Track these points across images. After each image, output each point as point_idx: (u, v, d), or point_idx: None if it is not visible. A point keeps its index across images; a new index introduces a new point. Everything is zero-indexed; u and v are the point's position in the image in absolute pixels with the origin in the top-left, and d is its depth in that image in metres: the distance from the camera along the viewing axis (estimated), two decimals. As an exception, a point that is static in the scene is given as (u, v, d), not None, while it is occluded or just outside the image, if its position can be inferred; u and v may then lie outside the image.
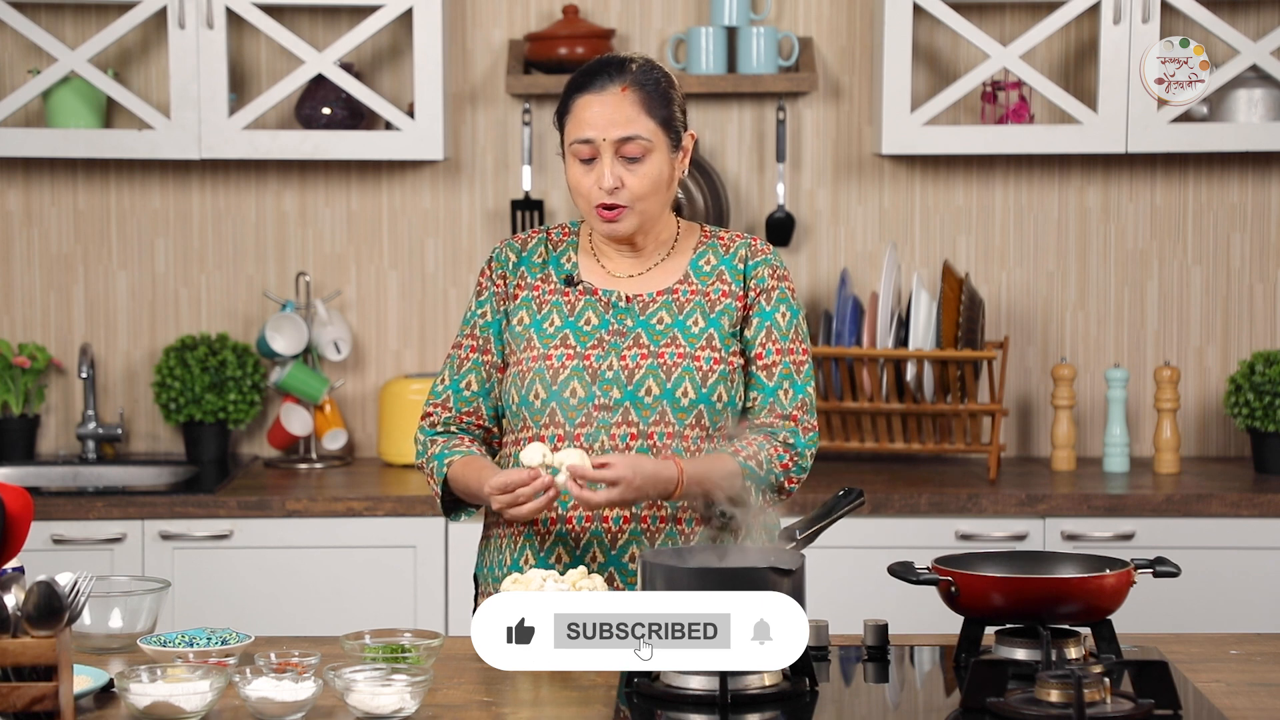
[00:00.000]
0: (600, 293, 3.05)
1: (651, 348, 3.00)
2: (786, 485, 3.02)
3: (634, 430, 2.98)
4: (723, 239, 3.12)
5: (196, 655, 2.63)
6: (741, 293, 3.06)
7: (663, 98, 3.00)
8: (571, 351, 3.01)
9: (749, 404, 3.05)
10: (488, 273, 3.11)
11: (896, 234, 4.79)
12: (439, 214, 4.79)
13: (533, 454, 2.89)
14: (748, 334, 3.06)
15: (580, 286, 3.06)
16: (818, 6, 4.77)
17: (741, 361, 3.05)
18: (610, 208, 2.98)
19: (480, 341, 3.09)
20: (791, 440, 3.01)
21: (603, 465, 2.86)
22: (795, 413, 3.03)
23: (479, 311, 3.10)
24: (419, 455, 3.12)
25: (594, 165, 2.98)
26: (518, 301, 3.07)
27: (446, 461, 3.05)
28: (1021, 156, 4.76)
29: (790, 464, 3.01)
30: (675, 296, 3.04)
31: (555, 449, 2.96)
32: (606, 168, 2.96)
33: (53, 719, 2.32)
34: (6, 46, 4.75)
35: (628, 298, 3.04)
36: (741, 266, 3.08)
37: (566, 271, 3.08)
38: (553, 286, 3.07)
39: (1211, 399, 4.81)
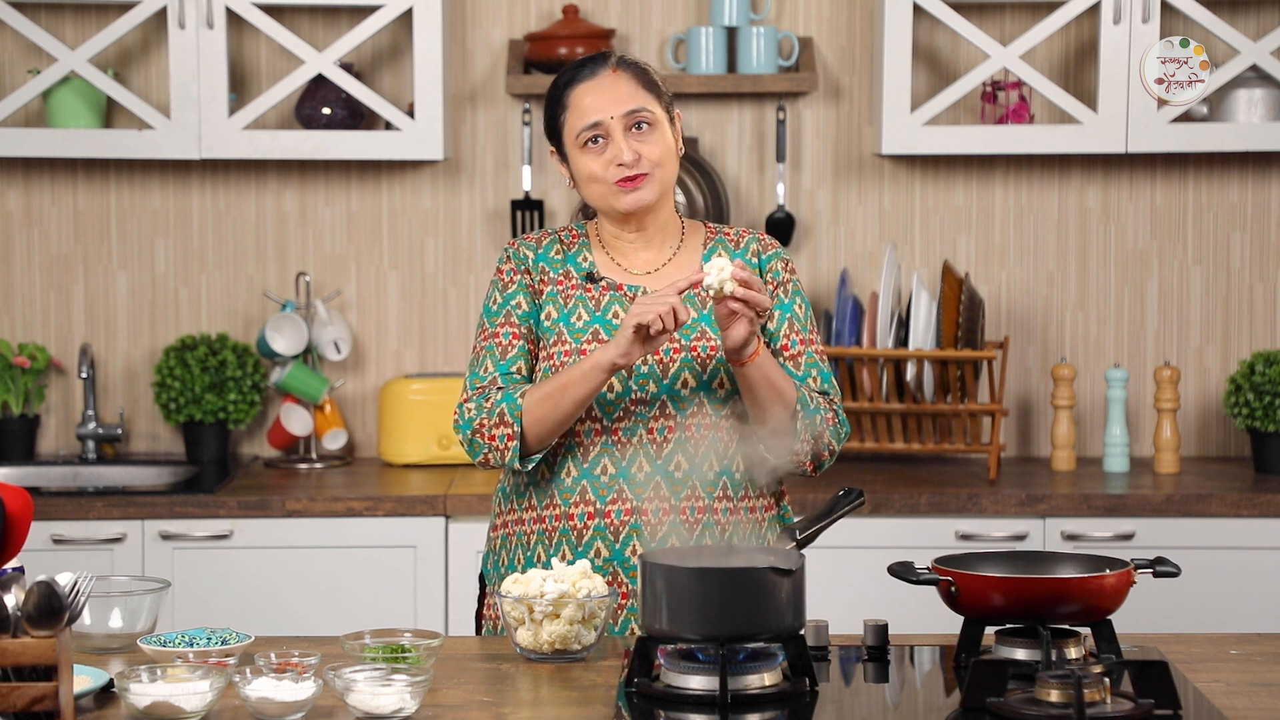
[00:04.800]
0: (625, 288, 3.05)
1: (682, 341, 3.00)
2: (823, 443, 2.99)
3: (671, 423, 2.98)
4: (729, 234, 3.13)
5: (196, 655, 2.63)
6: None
7: (649, 78, 3.07)
8: None
9: None
10: (509, 265, 3.09)
11: (896, 234, 4.78)
12: (439, 214, 4.79)
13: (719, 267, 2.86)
14: (770, 326, 3.06)
15: (604, 282, 3.06)
16: (818, 6, 4.77)
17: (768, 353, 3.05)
18: (631, 178, 2.99)
19: (523, 330, 3.05)
20: (833, 409, 3.04)
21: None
22: (832, 395, 3.06)
23: (513, 300, 3.06)
24: (467, 426, 2.97)
25: (605, 147, 3.00)
26: (544, 296, 3.06)
27: (520, 393, 2.96)
28: (1021, 156, 4.76)
29: (832, 421, 3.01)
30: (696, 291, 3.03)
31: (593, 442, 2.98)
32: (621, 143, 2.99)
33: (53, 719, 2.31)
34: (6, 46, 4.75)
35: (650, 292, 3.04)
36: (755, 260, 3.10)
37: (586, 269, 3.08)
38: (574, 283, 3.06)
39: (1211, 399, 4.81)
